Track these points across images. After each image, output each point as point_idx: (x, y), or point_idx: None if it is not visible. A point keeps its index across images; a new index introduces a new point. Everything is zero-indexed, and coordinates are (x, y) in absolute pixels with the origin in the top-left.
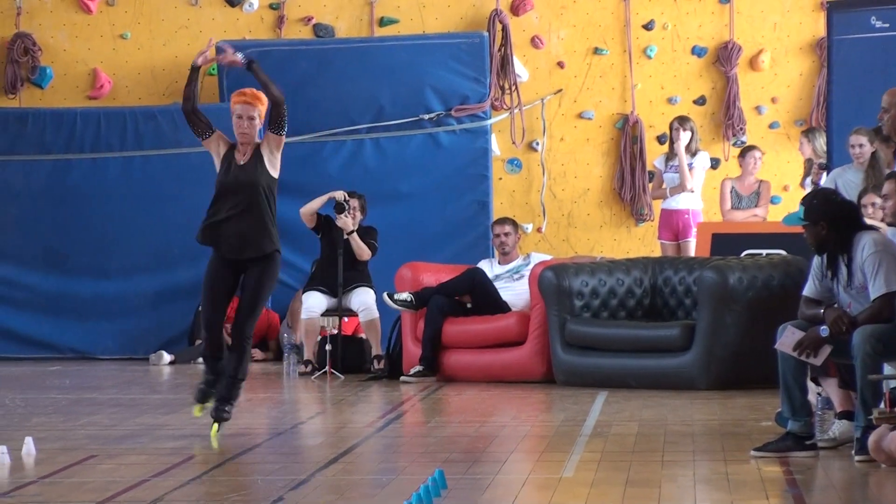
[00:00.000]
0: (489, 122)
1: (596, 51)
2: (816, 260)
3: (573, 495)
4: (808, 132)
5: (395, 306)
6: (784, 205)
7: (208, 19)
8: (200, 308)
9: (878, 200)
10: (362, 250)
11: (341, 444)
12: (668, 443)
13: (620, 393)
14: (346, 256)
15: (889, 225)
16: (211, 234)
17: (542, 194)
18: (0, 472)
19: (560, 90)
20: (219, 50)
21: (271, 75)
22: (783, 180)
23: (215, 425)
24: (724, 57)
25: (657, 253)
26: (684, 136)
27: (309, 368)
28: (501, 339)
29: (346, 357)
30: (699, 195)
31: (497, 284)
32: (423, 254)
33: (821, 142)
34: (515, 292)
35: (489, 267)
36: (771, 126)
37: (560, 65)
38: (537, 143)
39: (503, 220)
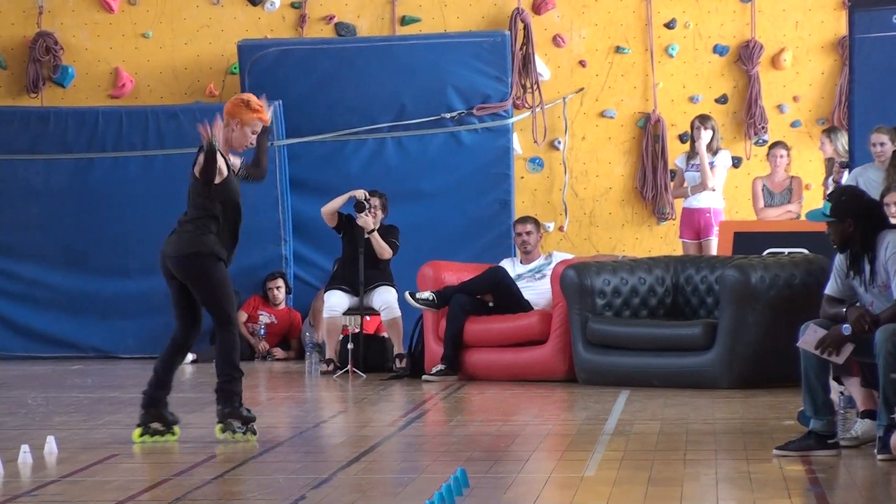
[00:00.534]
0: (511, 120)
1: (617, 49)
2: (839, 258)
3: (595, 494)
4: (830, 131)
5: (417, 305)
6: (806, 204)
7: (230, 18)
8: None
9: None
10: (383, 249)
11: (363, 442)
12: (690, 442)
13: (642, 392)
14: (367, 255)
15: None
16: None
17: (564, 193)
18: (22, 471)
19: (582, 89)
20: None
21: (293, 74)
22: (805, 179)
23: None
24: (745, 55)
25: (679, 252)
26: (706, 135)
27: (331, 367)
28: (523, 338)
29: (367, 356)
30: (720, 194)
31: (519, 284)
32: (444, 253)
33: (842, 141)
34: (537, 291)
35: (511, 266)
36: (793, 125)
37: (582, 63)
38: (559, 142)
39: (525, 219)
